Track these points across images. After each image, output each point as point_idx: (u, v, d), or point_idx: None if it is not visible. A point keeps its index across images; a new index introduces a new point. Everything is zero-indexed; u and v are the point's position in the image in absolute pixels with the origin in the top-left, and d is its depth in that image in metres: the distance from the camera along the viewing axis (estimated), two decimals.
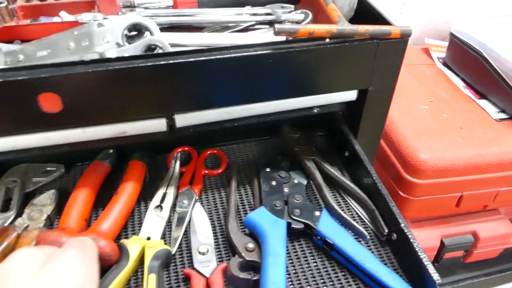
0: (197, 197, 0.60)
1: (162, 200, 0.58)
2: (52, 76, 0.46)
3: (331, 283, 0.51)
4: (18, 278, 0.27)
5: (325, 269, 0.53)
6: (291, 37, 0.51)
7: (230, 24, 0.64)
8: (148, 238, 0.53)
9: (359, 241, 0.55)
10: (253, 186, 0.62)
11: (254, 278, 0.49)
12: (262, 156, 0.69)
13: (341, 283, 0.51)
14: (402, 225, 0.52)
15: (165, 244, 0.53)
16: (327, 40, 0.54)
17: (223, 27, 0.64)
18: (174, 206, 0.59)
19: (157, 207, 0.57)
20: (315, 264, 0.53)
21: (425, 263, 0.48)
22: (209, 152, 0.67)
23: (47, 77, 0.46)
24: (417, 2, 1.19)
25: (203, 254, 0.52)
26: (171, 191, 0.60)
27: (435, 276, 0.47)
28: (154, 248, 0.51)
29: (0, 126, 0.49)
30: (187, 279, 0.51)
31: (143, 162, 0.62)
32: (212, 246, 0.54)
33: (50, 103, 0.48)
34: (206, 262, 0.52)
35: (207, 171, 0.64)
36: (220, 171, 0.65)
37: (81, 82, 0.48)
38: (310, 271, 0.52)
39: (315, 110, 0.63)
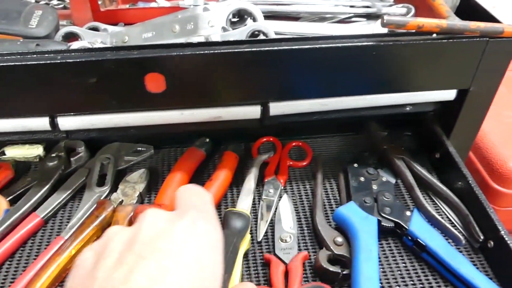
0: (282, 187, 0.60)
1: (250, 189, 0.58)
2: (162, 57, 0.48)
3: (421, 285, 0.49)
4: (150, 236, 0.27)
5: (415, 271, 0.51)
6: (399, 29, 0.50)
7: (327, 15, 0.63)
8: None
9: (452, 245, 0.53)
10: (338, 180, 0.61)
11: (344, 272, 0.48)
12: (346, 152, 0.67)
13: (431, 287, 0.49)
14: (502, 232, 0.49)
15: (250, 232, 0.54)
16: (434, 35, 0.52)
17: (320, 17, 0.63)
18: (259, 195, 0.59)
19: (247, 193, 0.57)
20: (404, 264, 0.52)
21: None
22: (293, 144, 0.67)
23: (157, 57, 0.48)
24: (508, 5, 1.13)
25: (285, 241, 0.52)
26: (258, 181, 0.60)
27: None
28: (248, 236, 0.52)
29: (106, 103, 0.51)
30: (266, 264, 0.51)
31: (236, 154, 0.62)
32: (295, 235, 0.53)
33: (155, 83, 0.50)
34: (288, 249, 0.52)
35: (291, 163, 0.64)
36: (305, 163, 0.64)
37: (187, 64, 0.49)
38: (399, 271, 0.51)
39: (407, 108, 0.61)
